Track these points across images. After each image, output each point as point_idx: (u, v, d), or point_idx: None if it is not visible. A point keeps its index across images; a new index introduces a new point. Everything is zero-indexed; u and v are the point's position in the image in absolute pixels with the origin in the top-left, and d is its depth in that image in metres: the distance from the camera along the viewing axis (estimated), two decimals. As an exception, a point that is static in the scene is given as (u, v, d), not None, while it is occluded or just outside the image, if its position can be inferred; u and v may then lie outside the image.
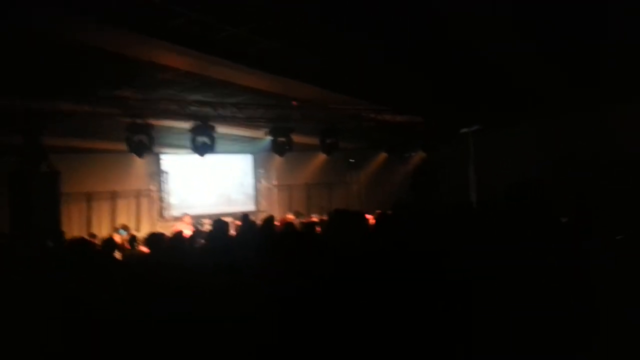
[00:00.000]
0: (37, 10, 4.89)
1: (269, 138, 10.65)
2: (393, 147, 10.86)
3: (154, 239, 5.42)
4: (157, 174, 11.88)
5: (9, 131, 7.85)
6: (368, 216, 8.36)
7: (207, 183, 12.59)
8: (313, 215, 10.49)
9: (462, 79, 8.24)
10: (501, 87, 8.59)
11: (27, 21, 5.08)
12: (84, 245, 4.65)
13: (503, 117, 9.80)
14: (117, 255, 7.70)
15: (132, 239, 7.76)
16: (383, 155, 12.50)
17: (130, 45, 5.87)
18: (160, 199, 11.89)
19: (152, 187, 11.86)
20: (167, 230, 10.85)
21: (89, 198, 10.68)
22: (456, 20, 6.14)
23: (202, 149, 8.51)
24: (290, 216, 9.88)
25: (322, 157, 12.47)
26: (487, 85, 8.53)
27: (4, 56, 5.76)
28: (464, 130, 10.28)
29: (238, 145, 12.11)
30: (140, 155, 8.32)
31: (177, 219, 11.80)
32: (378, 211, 8.50)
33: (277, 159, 12.11)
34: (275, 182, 13.46)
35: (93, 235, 9.20)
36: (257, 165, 13.44)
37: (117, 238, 8.70)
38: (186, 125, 9.03)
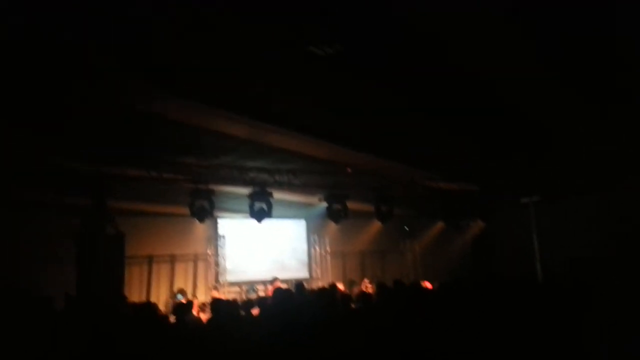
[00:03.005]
0: (110, 81, 5.34)
1: (323, 204, 10.75)
2: (449, 215, 10.63)
3: (216, 305, 5.51)
4: (214, 237, 12.13)
5: (78, 193, 8.35)
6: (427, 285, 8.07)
7: (261, 248, 12.68)
8: (368, 284, 10.27)
9: (521, 148, 8.13)
10: (562, 158, 8.40)
11: (100, 91, 5.55)
12: (149, 310, 4.79)
13: (565, 188, 9.51)
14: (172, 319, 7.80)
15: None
16: (440, 224, 12.24)
17: (196, 115, 6.26)
18: (216, 264, 12.04)
19: (209, 251, 12.08)
20: (223, 295, 10.98)
21: (150, 261, 10.99)
22: (516, 94, 6.18)
23: (259, 215, 8.70)
24: (341, 286, 9.73)
25: (375, 224, 12.35)
26: (548, 156, 8.35)
27: (78, 123, 6.27)
28: (525, 200, 9.98)
29: (292, 211, 12.25)
30: (201, 220, 8.61)
31: (234, 284, 11.94)
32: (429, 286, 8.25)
33: (331, 225, 12.12)
34: (328, 249, 13.38)
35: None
36: (310, 230, 13.46)
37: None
38: (243, 190, 9.31)
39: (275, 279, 10.97)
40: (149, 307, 5.46)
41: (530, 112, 6.78)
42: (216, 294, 9.66)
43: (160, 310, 7.84)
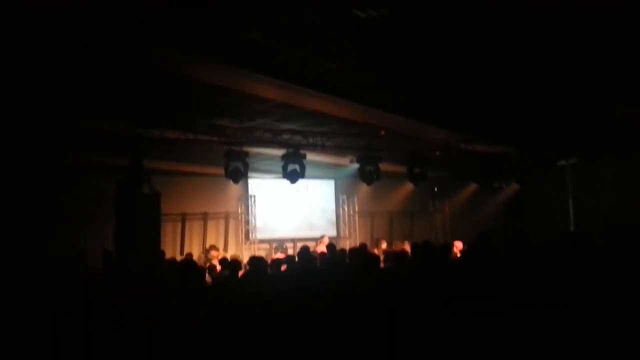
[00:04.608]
0: (148, 46, 5.31)
1: (353, 165, 10.73)
2: (484, 177, 10.49)
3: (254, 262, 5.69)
4: (244, 197, 12.33)
5: (115, 155, 8.50)
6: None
7: (290, 207, 12.85)
8: (400, 243, 10.38)
9: (560, 108, 7.88)
10: (603, 118, 8.11)
11: (139, 56, 5.53)
12: (191, 266, 4.95)
13: (604, 151, 9.23)
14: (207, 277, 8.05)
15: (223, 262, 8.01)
16: (472, 186, 12.11)
17: (232, 79, 6.21)
18: (247, 222, 12.30)
19: (240, 210, 12.31)
20: (253, 252, 11.27)
21: (183, 218, 11.27)
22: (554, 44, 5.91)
23: (292, 176, 8.75)
24: (384, 245, 9.91)
25: (406, 185, 12.32)
26: (588, 115, 8.08)
27: (117, 86, 6.30)
28: (561, 162, 9.75)
29: (322, 171, 12.29)
30: (236, 181, 8.70)
31: (263, 241, 12.24)
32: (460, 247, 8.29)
33: (360, 186, 12.15)
34: (357, 209, 13.47)
35: (190, 255, 9.75)
36: (339, 191, 13.54)
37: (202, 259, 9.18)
38: (274, 151, 9.34)
39: (323, 236, 11.20)
40: (191, 264, 5.62)
41: (569, 72, 6.52)
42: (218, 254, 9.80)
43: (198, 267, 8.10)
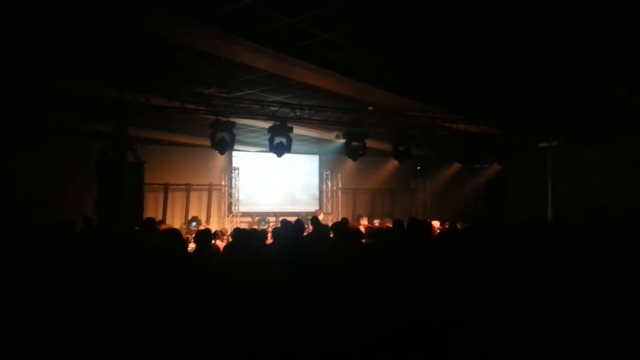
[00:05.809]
0: (135, 8, 5.18)
1: (339, 141, 10.73)
2: (467, 157, 10.64)
3: (237, 233, 5.70)
4: (228, 169, 12.28)
5: (100, 120, 8.33)
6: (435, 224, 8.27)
7: (273, 181, 12.86)
8: (384, 220, 10.50)
9: (546, 91, 7.98)
10: (586, 103, 8.24)
11: (127, 19, 5.39)
12: (176, 236, 4.94)
13: (586, 135, 9.41)
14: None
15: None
16: (454, 166, 12.27)
17: (224, 46, 6.10)
18: (230, 194, 12.27)
19: (223, 182, 12.27)
20: (235, 225, 11.28)
21: (166, 188, 11.18)
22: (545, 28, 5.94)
23: (279, 149, 8.71)
24: (365, 221, 10.02)
25: (389, 162, 12.44)
26: (571, 99, 8.20)
27: (105, 50, 6.13)
28: (543, 144, 9.92)
29: (306, 146, 12.29)
30: (222, 152, 8.62)
31: (246, 214, 12.25)
32: (445, 225, 8.43)
33: (344, 162, 12.22)
34: (340, 185, 13.56)
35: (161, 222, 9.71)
36: (323, 166, 13.59)
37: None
38: (259, 124, 9.28)
39: (317, 211, 11.35)
40: (176, 234, 5.61)
41: (558, 52, 6.57)
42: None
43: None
